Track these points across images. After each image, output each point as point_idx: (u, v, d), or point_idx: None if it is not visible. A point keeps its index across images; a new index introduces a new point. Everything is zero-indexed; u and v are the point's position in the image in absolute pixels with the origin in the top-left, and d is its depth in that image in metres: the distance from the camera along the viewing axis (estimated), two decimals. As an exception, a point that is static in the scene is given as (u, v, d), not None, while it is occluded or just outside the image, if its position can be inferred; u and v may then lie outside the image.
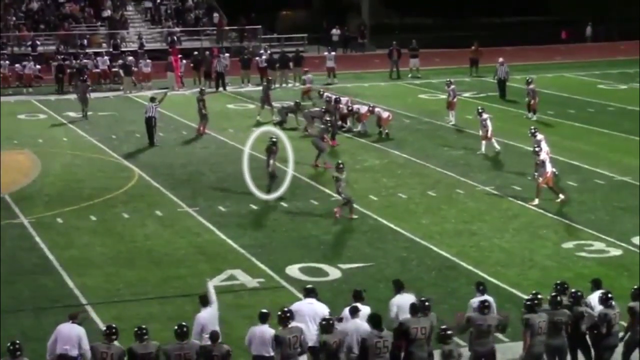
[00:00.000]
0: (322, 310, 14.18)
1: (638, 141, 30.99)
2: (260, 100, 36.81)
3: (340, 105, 33.50)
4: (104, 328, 13.39)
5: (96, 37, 53.93)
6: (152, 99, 32.70)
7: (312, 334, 13.79)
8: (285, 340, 13.37)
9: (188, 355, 13.05)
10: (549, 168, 24.11)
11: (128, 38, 54.36)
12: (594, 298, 14.59)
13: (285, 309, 13.71)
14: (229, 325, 16.20)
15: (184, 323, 13.40)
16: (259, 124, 35.25)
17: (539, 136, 25.99)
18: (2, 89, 43.05)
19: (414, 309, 13.81)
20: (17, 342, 12.89)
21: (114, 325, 13.38)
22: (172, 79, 44.49)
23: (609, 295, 14.32)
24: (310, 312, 14.03)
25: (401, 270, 19.52)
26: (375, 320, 13.41)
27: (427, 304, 13.99)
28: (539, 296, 14.17)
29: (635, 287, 14.67)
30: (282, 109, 35.16)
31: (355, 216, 23.06)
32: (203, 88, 36.64)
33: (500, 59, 40.95)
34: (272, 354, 13.46)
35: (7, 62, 45.11)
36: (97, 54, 47.54)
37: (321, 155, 28.09)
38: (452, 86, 35.15)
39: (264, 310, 13.81)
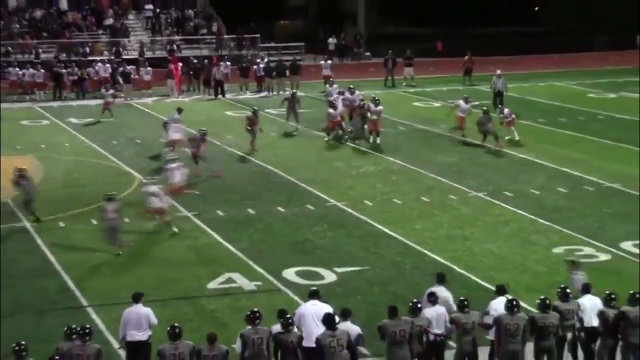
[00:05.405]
0: (326, 310, 14.12)
1: (626, 148, 31.25)
2: (287, 111, 35.62)
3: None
4: (78, 328, 13.41)
5: (98, 45, 54.13)
6: (179, 110, 31.99)
7: (318, 333, 13.76)
8: (250, 340, 13.37)
9: (182, 355, 13.08)
10: (179, 178, 24.30)
11: (129, 46, 54.59)
12: (583, 302, 14.89)
13: (255, 309, 13.77)
14: (227, 328, 16.45)
15: (176, 324, 13.55)
16: (286, 135, 34.75)
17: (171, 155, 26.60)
18: (6, 95, 43.43)
19: (392, 311, 13.87)
20: (23, 342, 12.91)
21: (87, 326, 13.52)
22: (172, 87, 44.77)
23: (612, 297, 14.66)
24: (314, 312, 14.10)
25: (395, 274, 19.73)
26: (328, 320, 13.39)
27: (419, 305, 14.29)
28: (513, 299, 14.50)
29: (631, 292, 14.79)
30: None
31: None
32: (256, 109, 33.48)
33: (498, 71, 40.46)
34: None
35: (16, 69, 45.44)
36: (98, 62, 47.79)
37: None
38: (470, 103, 33.98)
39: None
